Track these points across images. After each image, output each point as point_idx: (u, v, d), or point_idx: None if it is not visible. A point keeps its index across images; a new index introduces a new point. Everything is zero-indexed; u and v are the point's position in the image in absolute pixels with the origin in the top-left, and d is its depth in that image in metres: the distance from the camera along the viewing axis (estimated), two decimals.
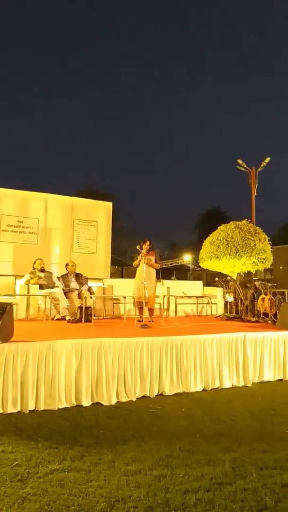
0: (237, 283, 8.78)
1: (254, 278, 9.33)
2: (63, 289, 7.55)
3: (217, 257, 9.19)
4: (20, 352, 4.28)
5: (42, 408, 4.27)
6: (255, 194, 16.11)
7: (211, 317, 8.58)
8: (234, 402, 4.81)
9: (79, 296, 7.34)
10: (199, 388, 5.19)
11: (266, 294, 7.79)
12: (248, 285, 8.96)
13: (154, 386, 4.91)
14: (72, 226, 10.10)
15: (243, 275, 10.05)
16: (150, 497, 2.61)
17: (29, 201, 9.67)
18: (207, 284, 12.76)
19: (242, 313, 8.05)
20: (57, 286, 7.67)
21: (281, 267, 11.35)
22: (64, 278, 7.82)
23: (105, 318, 7.79)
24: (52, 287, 7.65)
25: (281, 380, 5.80)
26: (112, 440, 3.54)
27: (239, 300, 8.22)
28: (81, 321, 6.78)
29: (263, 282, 8.29)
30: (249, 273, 9.96)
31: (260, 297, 7.79)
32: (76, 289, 7.55)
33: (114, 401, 4.60)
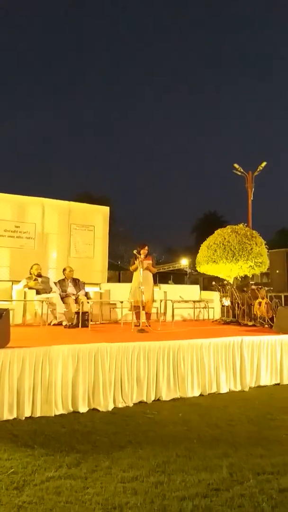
0: (234, 287, 8.79)
1: (250, 282, 9.35)
2: (60, 294, 7.54)
3: (214, 261, 9.19)
4: (17, 357, 4.26)
5: (38, 414, 4.25)
6: (252, 198, 16.17)
7: (208, 321, 8.57)
8: (231, 407, 4.80)
9: (76, 301, 7.32)
10: (196, 393, 5.18)
11: (262, 298, 7.80)
12: (245, 289, 8.97)
13: (151, 391, 4.89)
14: (69, 231, 10.08)
15: (240, 279, 10.07)
16: (147, 504, 2.60)
17: (26, 206, 9.66)
18: (204, 288, 12.77)
19: (239, 317, 8.05)
20: (54, 291, 7.65)
21: (277, 271, 11.38)
22: (61, 283, 7.80)
23: (102, 323, 7.78)
24: (49, 292, 7.64)
25: (278, 384, 5.80)
26: (108, 446, 3.53)
27: (236, 304, 8.23)
28: (78, 326, 6.76)
29: (260, 286, 8.30)
30: (245, 277, 9.98)
31: (257, 301, 7.80)
32: (73, 294, 7.54)
33: (111, 406, 4.59)
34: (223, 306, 9.04)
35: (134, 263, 7.19)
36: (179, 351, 5.11)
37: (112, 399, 4.64)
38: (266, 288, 8.22)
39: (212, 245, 8.92)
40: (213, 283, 9.25)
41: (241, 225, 9.34)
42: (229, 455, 3.39)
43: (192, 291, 9.42)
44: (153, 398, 4.89)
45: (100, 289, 8.56)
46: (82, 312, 6.86)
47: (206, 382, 5.24)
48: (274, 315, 7.26)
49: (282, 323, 6.34)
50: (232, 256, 8.53)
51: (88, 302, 7.38)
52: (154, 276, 7.69)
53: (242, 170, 16.22)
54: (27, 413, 4.22)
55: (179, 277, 35.42)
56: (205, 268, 9.17)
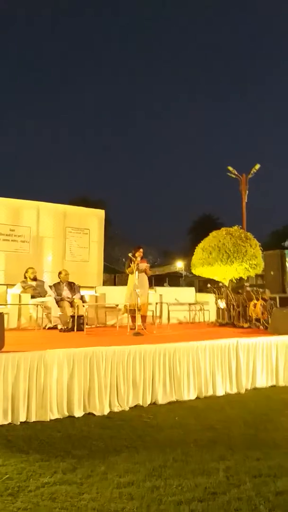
0: (229, 289, 8.79)
1: (245, 284, 9.35)
2: (55, 298, 7.51)
3: (209, 263, 9.19)
4: (11, 362, 4.23)
5: (33, 419, 4.22)
6: (246, 200, 16.19)
7: (203, 323, 8.56)
8: (227, 409, 4.78)
9: (71, 304, 7.29)
10: (192, 396, 5.16)
11: (257, 300, 7.80)
12: (240, 291, 8.97)
13: (147, 395, 4.87)
14: (64, 234, 10.06)
15: (235, 281, 10.07)
16: (143, 509, 2.58)
17: (21, 210, 9.63)
18: (199, 290, 12.76)
19: (234, 319, 8.04)
20: (49, 295, 7.62)
21: (272, 273, 11.38)
22: (56, 286, 7.77)
23: (98, 327, 7.75)
24: (44, 296, 7.60)
25: (274, 386, 5.79)
26: (104, 451, 3.50)
27: (231, 306, 8.22)
28: (73, 330, 6.74)
29: (255, 288, 8.30)
30: (241, 279, 9.99)
31: (252, 303, 7.80)
32: (68, 298, 7.51)
33: (106, 411, 4.56)
34: (218, 308, 9.02)
35: (130, 266, 7.18)
36: (175, 354, 5.10)
37: (108, 403, 4.62)
38: (261, 290, 8.23)
39: (207, 248, 8.91)
40: (209, 285, 9.27)
41: (235, 227, 9.34)
42: (225, 458, 3.38)
43: (187, 293, 9.42)
44: (149, 402, 4.87)
45: (95, 292, 8.54)
46: (77, 316, 6.83)
47: (202, 385, 5.23)
48: (269, 317, 7.26)
49: (277, 325, 6.35)
50: (227, 258, 8.53)
51: (83, 306, 7.36)
52: (150, 278, 7.68)
53: (236, 173, 16.24)
54: (22, 418, 4.18)
55: (174, 280, 35.37)
56: (200, 270, 9.17)
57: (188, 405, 4.93)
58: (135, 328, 6.53)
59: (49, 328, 7.24)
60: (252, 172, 16.13)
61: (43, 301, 7.34)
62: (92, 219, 10.65)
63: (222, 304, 8.62)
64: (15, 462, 3.22)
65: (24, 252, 9.47)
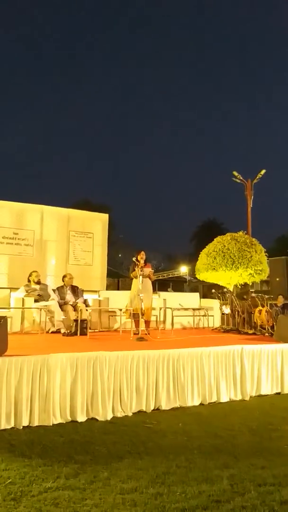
0: (234, 294, 8.75)
1: (250, 290, 9.32)
2: (58, 302, 7.49)
3: (214, 268, 9.18)
4: (14, 366, 4.21)
5: (36, 424, 4.19)
6: (251, 205, 16.18)
7: (208, 329, 8.52)
8: (231, 416, 4.74)
9: (75, 308, 7.28)
10: (196, 402, 5.12)
11: (263, 306, 7.76)
12: (245, 296, 8.93)
13: (151, 400, 4.84)
14: (68, 238, 10.06)
15: (239, 286, 10.04)
16: None
17: (25, 213, 9.64)
18: (204, 295, 12.72)
19: (239, 325, 8.00)
20: (53, 299, 7.61)
21: (277, 279, 11.34)
22: (59, 290, 7.76)
23: (101, 331, 7.73)
24: (47, 300, 7.59)
25: (278, 393, 5.74)
26: (107, 456, 3.47)
27: (236, 312, 8.18)
28: (76, 334, 6.72)
29: (260, 294, 8.27)
30: (245, 284, 9.95)
31: (257, 309, 7.76)
32: (72, 302, 7.49)
33: (109, 416, 4.53)
34: (223, 314, 9.00)
35: (134, 270, 7.18)
36: (179, 360, 5.07)
37: (111, 408, 4.59)
38: (266, 296, 8.19)
39: (211, 253, 8.90)
40: (213, 290, 9.22)
41: (240, 233, 9.33)
42: (230, 466, 3.34)
43: (191, 298, 9.38)
44: (152, 408, 4.83)
45: (99, 296, 8.52)
46: (80, 320, 6.82)
47: (206, 391, 5.19)
48: (274, 324, 7.22)
49: (282, 332, 6.30)
50: (231, 264, 8.51)
51: (86, 310, 7.34)
52: (153, 283, 7.66)
53: (241, 178, 16.24)
54: (25, 423, 4.16)
55: (178, 285, 35.37)
56: (205, 275, 9.15)
57: (192, 411, 4.89)
58: (138, 333, 6.50)
59: (52, 332, 7.22)
60: (257, 177, 16.13)
61: (46, 305, 7.33)
62: (96, 223, 10.66)
63: (227, 310, 8.59)
64: (17, 466, 3.20)
65: (27, 256, 9.48)
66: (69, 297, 7.63)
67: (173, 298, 9.04)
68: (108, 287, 12.32)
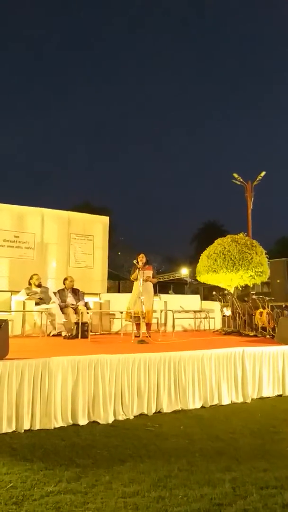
0: (235, 296, 8.75)
1: (251, 292, 9.31)
2: (59, 305, 7.49)
3: (214, 270, 9.18)
4: (15, 369, 4.21)
5: (37, 427, 4.19)
6: (251, 207, 16.19)
7: (209, 331, 8.51)
8: (233, 419, 4.73)
9: (76, 311, 7.27)
10: (198, 405, 5.11)
11: (264, 308, 7.75)
12: (246, 298, 8.92)
13: (152, 403, 4.83)
14: (68, 241, 10.06)
15: (240, 288, 10.03)
16: None
17: (26, 216, 9.65)
18: (205, 298, 12.71)
19: (240, 327, 7.99)
20: (53, 302, 7.61)
21: (278, 281, 11.33)
22: (60, 293, 7.76)
23: (102, 334, 7.72)
24: (48, 303, 7.59)
25: (280, 395, 5.73)
26: (109, 460, 3.47)
27: (237, 314, 8.18)
28: (78, 337, 6.71)
29: (261, 296, 8.26)
30: (246, 286, 9.95)
31: (258, 311, 7.75)
32: (73, 305, 7.49)
33: (111, 419, 4.52)
34: (224, 316, 8.98)
35: (135, 272, 7.18)
36: (180, 362, 5.06)
37: (113, 412, 4.58)
38: (267, 298, 8.18)
39: (212, 255, 8.91)
40: (214, 293, 9.21)
41: (241, 235, 9.34)
42: (232, 469, 3.33)
43: (192, 301, 9.37)
44: (154, 410, 4.83)
45: (100, 299, 8.52)
46: (81, 323, 6.81)
47: (208, 393, 5.18)
48: (275, 325, 7.21)
49: (283, 334, 6.28)
50: (232, 266, 8.52)
51: (87, 313, 7.34)
52: (154, 286, 7.66)
53: (241, 180, 16.27)
54: (26, 426, 4.15)
55: (179, 287, 35.32)
56: (206, 277, 9.16)
57: (194, 414, 4.88)
58: (139, 336, 6.50)
59: (53, 335, 7.22)
60: (257, 179, 16.14)
61: (47, 308, 7.33)
62: (97, 226, 10.66)
63: (228, 312, 8.58)
64: (19, 470, 3.20)
65: (28, 259, 9.47)
66: (70, 300, 7.63)
67: (174, 300, 9.04)
68: (109, 290, 12.31)
